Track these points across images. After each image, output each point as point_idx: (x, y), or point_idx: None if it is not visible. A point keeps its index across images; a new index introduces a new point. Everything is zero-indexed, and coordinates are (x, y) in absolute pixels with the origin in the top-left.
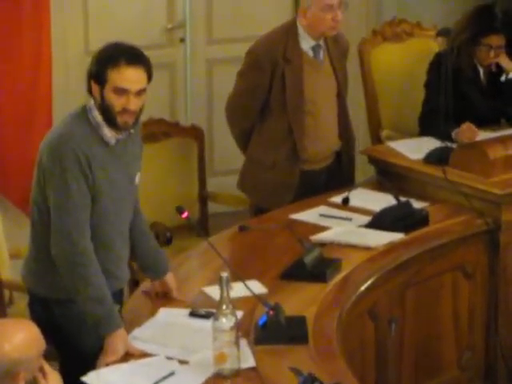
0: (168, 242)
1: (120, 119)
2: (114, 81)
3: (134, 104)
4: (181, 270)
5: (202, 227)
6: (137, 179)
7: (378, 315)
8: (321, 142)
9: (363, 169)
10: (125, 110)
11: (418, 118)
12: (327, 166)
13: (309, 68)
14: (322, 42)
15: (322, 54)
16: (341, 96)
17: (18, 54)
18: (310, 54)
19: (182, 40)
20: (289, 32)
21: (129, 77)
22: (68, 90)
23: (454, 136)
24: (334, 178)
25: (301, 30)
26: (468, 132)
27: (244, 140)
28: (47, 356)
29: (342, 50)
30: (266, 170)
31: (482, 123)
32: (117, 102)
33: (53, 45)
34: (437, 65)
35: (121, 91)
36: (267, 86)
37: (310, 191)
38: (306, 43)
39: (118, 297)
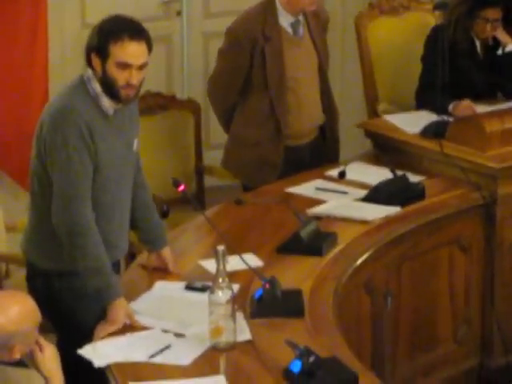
0: (164, 214)
1: (123, 93)
2: (117, 55)
3: (136, 78)
4: (177, 243)
5: (198, 200)
6: (135, 145)
7: (373, 289)
8: (304, 118)
9: (360, 142)
10: (128, 85)
11: (415, 91)
12: (311, 142)
13: (289, 44)
14: (301, 18)
15: (301, 29)
16: (322, 71)
17: (14, 29)
18: (290, 30)
19: (179, 13)
20: (267, 9)
21: (132, 51)
22: (64, 64)
23: (450, 109)
24: (319, 153)
25: (279, 7)
26: (467, 110)
27: (226, 118)
28: (44, 329)
29: (322, 24)
30: (250, 148)
31: (479, 97)
32: (120, 77)
33: (49, 18)
34: (433, 38)
35: (124, 66)
36: (247, 65)
37: (295, 167)
38: (285, 20)
39: (116, 267)
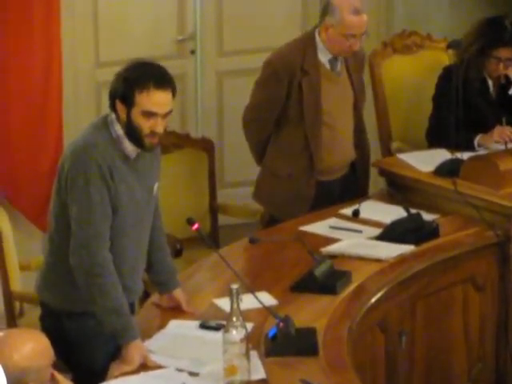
0: (178, 253)
1: (147, 141)
2: (143, 104)
3: (161, 126)
4: (191, 281)
5: (212, 239)
6: (155, 189)
7: (388, 327)
8: (337, 154)
9: (374, 181)
10: (153, 133)
11: (426, 131)
12: (342, 177)
13: (326, 80)
14: None
15: (339, 65)
16: (357, 107)
17: (29, 67)
18: (328, 66)
19: (193, 52)
20: (307, 44)
21: (157, 100)
22: (78, 102)
23: (478, 141)
24: (349, 189)
25: (319, 43)
26: (502, 131)
27: (260, 151)
28: (60, 368)
29: (359, 62)
30: (282, 181)
31: None
32: (145, 125)
33: (63, 57)
34: (445, 78)
35: (149, 114)
36: (284, 98)
37: (326, 201)
38: (324, 55)
39: (131, 309)
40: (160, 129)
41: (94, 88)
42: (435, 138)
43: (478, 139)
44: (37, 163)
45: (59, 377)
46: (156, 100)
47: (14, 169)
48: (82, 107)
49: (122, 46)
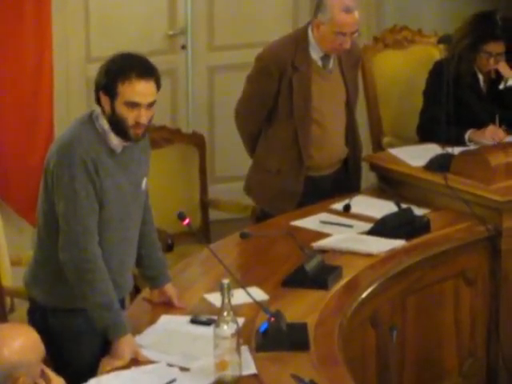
0: (169, 248)
1: (132, 132)
2: (126, 95)
3: (145, 117)
4: (182, 276)
5: (203, 234)
6: (143, 185)
7: (379, 322)
8: (327, 151)
9: (365, 176)
10: (137, 124)
11: (417, 126)
12: (333, 173)
13: (317, 77)
14: None
15: (331, 63)
16: (349, 105)
17: (20, 62)
18: (319, 63)
19: (184, 47)
20: (299, 40)
21: (140, 90)
22: (69, 97)
23: (469, 137)
24: (340, 185)
25: (311, 40)
26: (495, 133)
27: (251, 144)
28: (48, 364)
29: (353, 60)
30: (272, 176)
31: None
32: (129, 116)
33: (54, 52)
34: (436, 73)
35: (133, 105)
36: (274, 93)
37: (315, 197)
38: (316, 52)
39: (121, 305)
40: (144, 119)
41: (85, 83)
42: (426, 133)
43: (468, 134)
44: (27, 158)
45: (49, 372)
46: (139, 90)
47: (4, 164)
48: (72, 102)
49: (113, 41)
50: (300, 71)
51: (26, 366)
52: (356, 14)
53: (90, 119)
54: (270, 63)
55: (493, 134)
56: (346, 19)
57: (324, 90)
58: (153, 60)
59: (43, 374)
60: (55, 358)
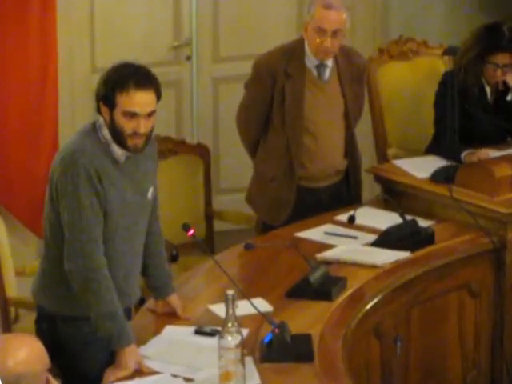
0: (174, 259)
1: (130, 142)
2: (124, 105)
3: (144, 127)
4: (186, 287)
5: (207, 245)
6: (149, 194)
7: (383, 334)
8: (320, 162)
9: (369, 187)
10: (135, 134)
11: (432, 137)
12: (332, 185)
13: (312, 86)
14: (330, 62)
15: (327, 73)
16: (347, 117)
17: (25, 72)
18: (314, 72)
19: (189, 58)
20: (295, 48)
21: (138, 101)
22: (74, 108)
23: (463, 158)
24: (339, 198)
25: (307, 48)
26: (486, 156)
27: (251, 151)
28: (54, 374)
29: (355, 72)
30: (267, 185)
31: (489, 142)
32: (127, 126)
33: (59, 63)
34: (444, 85)
35: (131, 115)
36: (268, 100)
37: (310, 208)
38: (311, 61)
39: (127, 315)
40: (142, 129)
41: (90, 94)
42: (436, 145)
43: (464, 155)
44: (32, 168)
45: (54, 382)
46: (137, 100)
47: (9, 174)
48: (77, 113)
49: (117, 52)
50: (293, 79)
51: (31, 377)
52: (340, 14)
53: (94, 129)
54: (261, 70)
55: (484, 156)
56: (326, 14)
57: (318, 99)
58: (157, 71)
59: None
60: (61, 366)
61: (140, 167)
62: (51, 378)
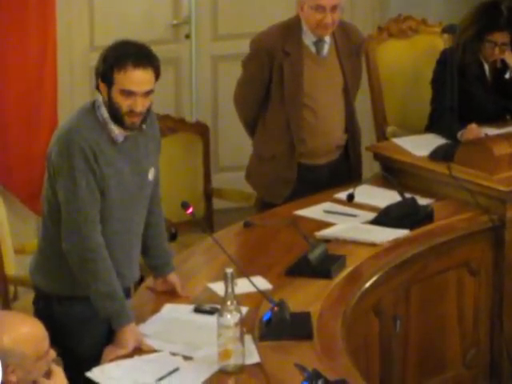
0: (173, 237)
1: (127, 120)
2: (121, 83)
3: (141, 105)
4: (185, 265)
5: (206, 223)
6: (150, 175)
7: (382, 312)
8: (321, 137)
9: (369, 165)
10: (132, 112)
11: (429, 115)
12: (332, 161)
13: (310, 63)
14: (328, 38)
15: (326, 48)
16: (347, 92)
17: (24, 51)
18: (313, 49)
19: (188, 36)
20: (291, 26)
21: (136, 79)
22: (73, 86)
23: (459, 137)
24: (340, 174)
25: (304, 25)
26: (472, 135)
27: (250, 129)
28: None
29: (353, 46)
30: (266, 163)
31: (487, 120)
32: (124, 104)
33: (58, 41)
34: (442, 63)
35: (128, 93)
36: (266, 78)
37: (311, 186)
38: (308, 38)
39: (126, 294)
40: (139, 108)
41: (89, 72)
42: (433, 123)
43: (459, 135)
44: (31, 147)
45: (56, 369)
46: (134, 79)
47: (8, 152)
48: (76, 91)
49: (116, 30)
50: (291, 56)
51: (19, 356)
52: None
53: (93, 108)
54: (258, 48)
55: (467, 136)
56: None
57: (317, 75)
58: (156, 49)
59: (50, 371)
60: (59, 345)
61: (140, 148)
62: (54, 365)
